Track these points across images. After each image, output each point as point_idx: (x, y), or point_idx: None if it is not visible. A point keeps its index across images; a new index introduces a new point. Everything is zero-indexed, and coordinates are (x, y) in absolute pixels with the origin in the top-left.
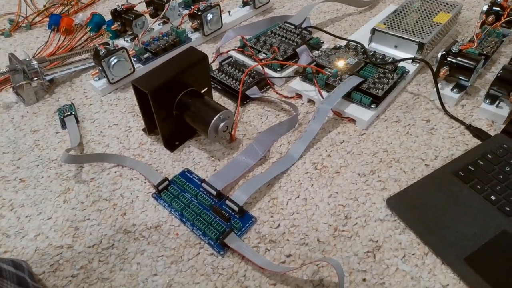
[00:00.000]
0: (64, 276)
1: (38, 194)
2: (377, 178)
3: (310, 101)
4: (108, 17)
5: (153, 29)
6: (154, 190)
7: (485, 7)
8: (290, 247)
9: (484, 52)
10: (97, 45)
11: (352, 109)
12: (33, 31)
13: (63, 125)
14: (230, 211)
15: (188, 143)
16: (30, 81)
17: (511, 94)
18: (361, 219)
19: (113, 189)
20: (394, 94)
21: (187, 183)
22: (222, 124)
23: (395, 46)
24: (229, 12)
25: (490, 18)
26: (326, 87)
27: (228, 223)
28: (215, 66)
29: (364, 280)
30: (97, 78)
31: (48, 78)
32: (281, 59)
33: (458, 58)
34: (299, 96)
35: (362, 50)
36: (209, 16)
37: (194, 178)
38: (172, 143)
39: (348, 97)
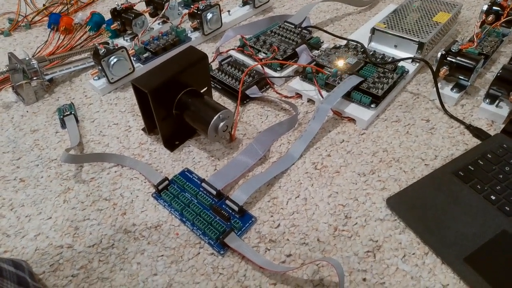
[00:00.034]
0: (64, 276)
1: (38, 194)
2: (377, 177)
3: (310, 100)
4: (107, 16)
5: (153, 28)
6: (154, 190)
7: (485, 7)
8: (290, 247)
9: (484, 52)
10: (96, 44)
11: (352, 109)
12: (33, 30)
13: (63, 125)
14: (230, 211)
15: (188, 142)
16: (30, 81)
17: (510, 94)
18: (361, 219)
19: (113, 189)
20: (394, 93)
21: (187, 183)
22: (222, 124)
23: (395, 46)
24: (228, 11)
25: (490, 18)
26: (326, 87)
27: (228, 223)
28: (215, 65)
29: (364, 279)
30: (96, 78)
31: (47, 77)
32: (281, 58)
33: (458, 58)
34: (299, 95)
35: (362, 50)
36: (209, 16)
37: (194, 178)
38: (172, 143)
39: (348, 96)
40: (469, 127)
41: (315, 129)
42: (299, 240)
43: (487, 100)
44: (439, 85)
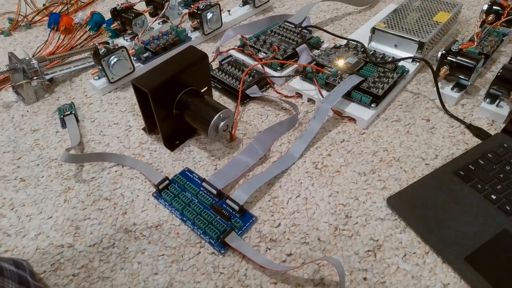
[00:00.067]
0: (65, 275)
1: (38, 194)
2: (377, 177)
3: (310, 100)
4: (107, 16)
5: (153, 28)
6: (154, 189)
7: (485, 6)
8: (291, 246)
9: (484, 51)
10: (97, 44)
11: (352, 108)
12: (33, 30)
13: (63, 125)
14: (231, 210)
15: (188, 142)
16: (30, 80)
17: (511, 94)
18: (361, 218)
19: (114, 188)
20: (394, 93)
21: (188, 182)
22: (222, 124)
23: (395, 45)
24: (229, 11)
25: (490, 17)
26: (326, 86)
27: (229, 222)
28: (215, 65)
29: (364, 279)
30: (97, 77)
31: (48, 77)
32: (281, 58)
33: (458, 57)
34: (299, 95)
35: (362, 49)
36: (209, 15)
37: (194, 177)
38: (172, 142)
39: (348, 96)
40: (470, 127)
41: (315, 129)
42: (299, 239)
43: (488, 100)
44: (439, 84)
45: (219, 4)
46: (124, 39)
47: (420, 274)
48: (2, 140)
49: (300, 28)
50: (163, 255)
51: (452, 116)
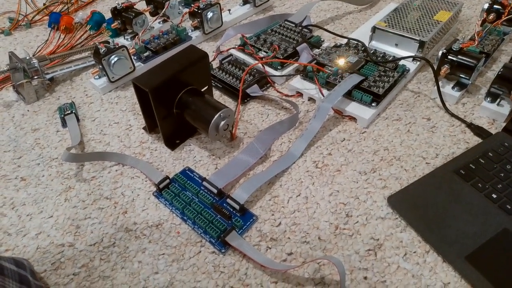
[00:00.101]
0: (66, 274)
1: (39, 193)
2: (378, 176)
3: (311, 99)
4: (108, 15)
5: (153, 27)
6: (155, 189)
7: (486, 5)
8: (291, 245)
9: (485, 50)
10: (97, 43)
11: (353, 108)
12: (33, 30)
13: (64, 124)
14: (231, 210)
15: (189, 141)
16: (31, 80)
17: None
18: (362, 217)
19: (114, 188)
20: (395, 92)
21: (188, 182)
22: (222, 123)
23: (396, 44)
24: (229, 10)
25: (491, 16)
26: (327, 86)
27: (229, 222)
28: (215, 64)
29: (365, 278)
30: (97, 77)
31: (48, 76)
32: (281, 57)
33: (459, 56)
34: (299, 94)
35: (362, 48)
36: (209, 14)
37: (195, 177)
38: (172, 142)
39: (348, 95)
40: (470, 126)
41: (316, 128)
42: (300, 238)
43: (488, 99)
44: (440, 83)
45: (219, 3)
46: (124, 39)
47: (421, 273)
48: (3, 139)
49: (300, 27)
50: (163, 254)
51: (452, 115)
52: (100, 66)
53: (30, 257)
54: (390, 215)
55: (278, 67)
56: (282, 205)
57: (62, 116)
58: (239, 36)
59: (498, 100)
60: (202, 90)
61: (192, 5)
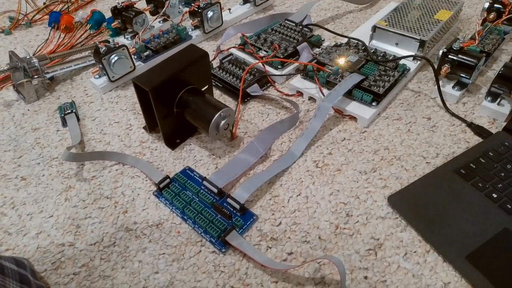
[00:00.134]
0: (66, 274)
1: (39, 192)
2: (378, 176)
3: (311, 98)
4: (108, 14)
5: (154, 26)
6: (155, 188)
7: (487, 4)
8: (292, 245)
9: (486, 50)
10: (97, 42)
11: (353, 107)
12: (33, 29)
13: (64, 123)
14: (232, 209)
15: (189, 141)
16: (31, 79)
17: None
18: (362, 217)
19: (114, 187)
20: (395, 91)
21: (188, 181)
22: (223, 122)
23: (396, 44)
24: (229, 9)
25: (492, 16)
26: (327, 85)
27: (230, 221)
28: (215, 63)
29: (365, 277)
30: (97, 76)
31: (48, 76)
32: (281, 56)
33: (459, 56)
34: (300, 93)
35: (363, 48)
36: (210, 14)
37: (195, 176)
38: (173, 141)
39: (349, 94)
40: (471, 125)
41: (316, 127)
42: (300, 238)
43: (489, 98)
44: (440, 83)
45: (219, 3)
46: (124, 38)
47: (421, 273)
48: (3, 138)
49: (301, 27)
50: (164, 254)
51: (453, 114)
52: (100, 66)
53: (31, 257)
54: (391, 214)
55: (279, 67)
56: (283, 204)
57: (62, 115)
58: (240, 35)
59: (499, 99)
60: (203, 89)
61: (192, 4)
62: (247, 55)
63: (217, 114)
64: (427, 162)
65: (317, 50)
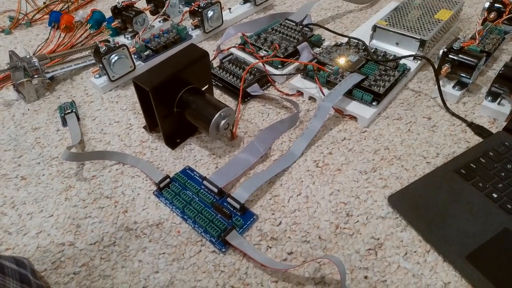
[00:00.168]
0: (66, 274)
1: (39, 192)
2: (378, 175)
3: (311, 98)
4: (108, 14)
5: (154, 26)
6: (155, 188)
7: (487, 4)
8: (292, 245)
9: (486, 49)
10: (97, 42)
11: (354, 107)
12: (33, 29)
13: (64, 123)
14: (232, 209)
15: (189, 140)
16: (31, 79)
17: None
18: (362, 217)
19: (115, 187)
20: (396, 91)
21: (189, 181)
22: (223, 122)
23: (397, 43)
24: (229, 9)
25: (492, 15)
26: (327, 85)
27: (230, 221)
28: (216, 63)
29: (365, 277)
30: (97, 76)
31: (48, 75)
32: (282, 56)
33: (460, 55)
34: (300, 93)
35: (363, 47)
36: (210, 13)
37: (195, 176)
38: (173, 141)
39: (349, 94)
40: (471, 125)
41: (316, 127)
42: (300, 238)
43: (489, 98)
44: (440, 82)
45: (220, 2)
46: (125, 37)
47: (421, 273)
48: (3, 138)
49: (301, 26)
50: (164, 253)
51: (453, 114)
52: (101, 65)
53: (31, 256)
54: (391, 214)
55: (279, 66)
56: (283, 204)
57: (63, 115)
58: (240, 35)
59: (499, 99)
60: (203, 89)
61: (193, 3)
62: (247, 55)
63: (217, 114)
64: (427, 162)
65: (317, 49)
